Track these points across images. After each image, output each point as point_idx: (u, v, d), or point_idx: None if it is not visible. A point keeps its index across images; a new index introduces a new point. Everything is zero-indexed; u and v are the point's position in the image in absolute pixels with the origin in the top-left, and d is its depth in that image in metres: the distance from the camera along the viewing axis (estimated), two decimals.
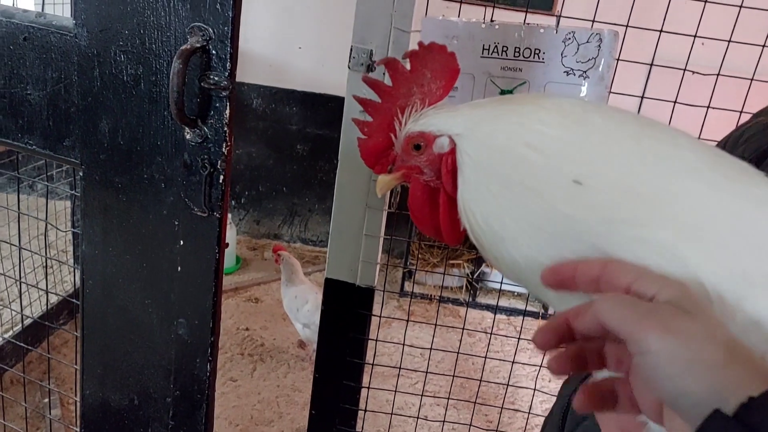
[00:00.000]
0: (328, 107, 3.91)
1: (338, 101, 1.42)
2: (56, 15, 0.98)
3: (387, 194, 1.47)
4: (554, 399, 0.89)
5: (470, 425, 1.79)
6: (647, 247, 0.47)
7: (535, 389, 1.69)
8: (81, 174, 0.99)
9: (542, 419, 0.92)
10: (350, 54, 1.34)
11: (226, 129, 0.85)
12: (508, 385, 1.74)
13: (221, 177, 0.88)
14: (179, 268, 0.96)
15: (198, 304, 0.96)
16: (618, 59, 1.27)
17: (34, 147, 1.00)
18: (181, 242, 0.94)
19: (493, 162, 0.57)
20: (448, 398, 1.78)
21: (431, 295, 3.77)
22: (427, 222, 0.66)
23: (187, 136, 0.88)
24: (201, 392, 0.98)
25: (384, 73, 1.31)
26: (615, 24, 1.26)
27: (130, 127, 0.93)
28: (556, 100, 0.59)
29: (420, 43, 0.68)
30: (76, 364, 2.20)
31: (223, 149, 0.86)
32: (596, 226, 0.50)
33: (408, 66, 0.68)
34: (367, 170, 1.44)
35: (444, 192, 0.63)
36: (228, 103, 0.84)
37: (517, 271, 0.55)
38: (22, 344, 2.11)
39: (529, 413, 1.76)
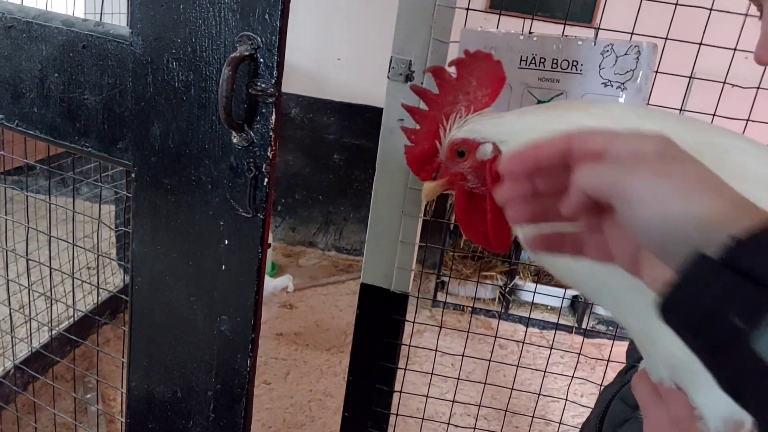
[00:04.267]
0: (365, 117, 3.96)
1: (375, 111, 1.46)
2: (113, 24, 1.04)
3: (424, 204, 1.50)
4: (586, 412, 0.90)
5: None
6: None
7: (566, 400, 1.69)
8: (133, 175, 1.04)
9: (574, 431, 0.93)
10: (390, 64, 1.37)
11: (271, 134, 0.89)
12: (539, 395, 1.75)
13: (266, 180, 0.92)
14: (223, 267, 0.99)
15: (240, 302, 0.99)
16: (656, 71, 1.28)
17: (90, 149, 1.05)
18: (226, 242, 0.98)
19: None
20: (479, 405, 1.79)
21: (463, 306, 3.77)
22: (474, 229, 0.67)
23: (234, 140, 0.92)
24: (241, 386, 1.02)
25: (422, 82, 1.34)
26: (653, 36, 1.27)
27: (180, 131, 0.97)
28: (606, 106, 0.58)
29: (466, 51, 0.70)
30: (119, 360, 2.26)
31: (268, 153, 0.90)
32: None
33: (454, 74, 0.70)
34: (404, 178, 1.48)
35: (490, 199, 0.64)
36: (274, 110, 0.88)
37: (572, 276, 0.55)
38: (72, 337, 2.19)
39: (560, 424, 1.76)
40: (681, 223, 0.38)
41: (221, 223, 0.97)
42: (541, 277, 3.91)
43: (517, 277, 3.75)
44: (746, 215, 0.37)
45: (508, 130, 0.61)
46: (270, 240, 3.58)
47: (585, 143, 0.44)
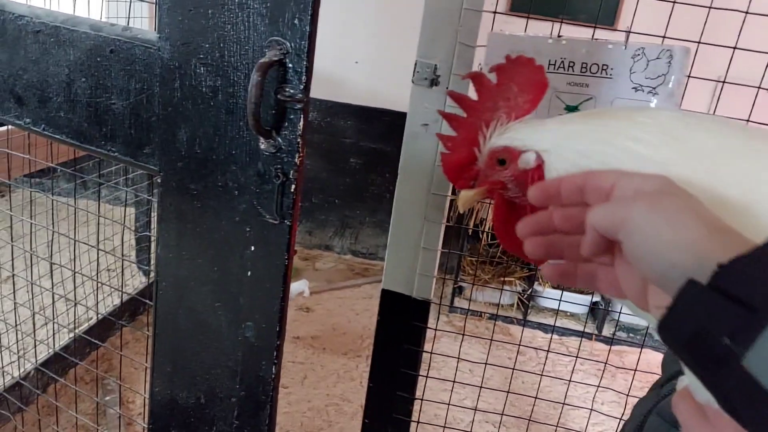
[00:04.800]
0: (383, 121, 3.95)
1: (393, 115, 1.45)
2: (141, 29, 1.04)
3: (446, 208, 1.49)
4: (606, 420, 0.88)
5: None
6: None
7: (591, 409, 1.66)
8: (158, 181, 1.03)
9: None
10: (414, 68, 1.36)
11: (299, 140, 0.88)
12: (564, 404, 1.72)
13: (293, 186, 0.91)
14: (249, 273, 0.99)
15: (266, 309, 0.98)
16: (689, 76, 1.26)
17: (116, 154, 1.05)
18: (252, 248, 0.97)
19: None
20: (502, 414, 1.77)
21: (481, 312, 3.75)
22: (513, 239, 0.65)
23: (262, 146, 0.91)
24: (266, 393, 1.01)
25: (447, 86, 1.32)
26: (682, 39, 1.25)
27: (207, 136, 0.97)
28: (653, 114, 0.56)
29: (507, 57, 0.68)
30: (137, 362, 2.26)
31: (296, 159, 0.89)
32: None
33: (494, 79, 0.68)
34: (426, 184, 1.47)
35: (532, 209, 0.61)
36: (302, 116, 0.87)
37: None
38: (93, 339, 2.20)
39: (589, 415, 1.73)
40: (673, 250, 0.41)
41: (247, 229, 0.97)
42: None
43: (536, 282, 3.72)
44: (732, 242, 0.40)
45: (552, 138, 0.59)
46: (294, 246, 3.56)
47: (598, 179, 0.48)
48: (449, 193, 1.47)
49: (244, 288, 1.00)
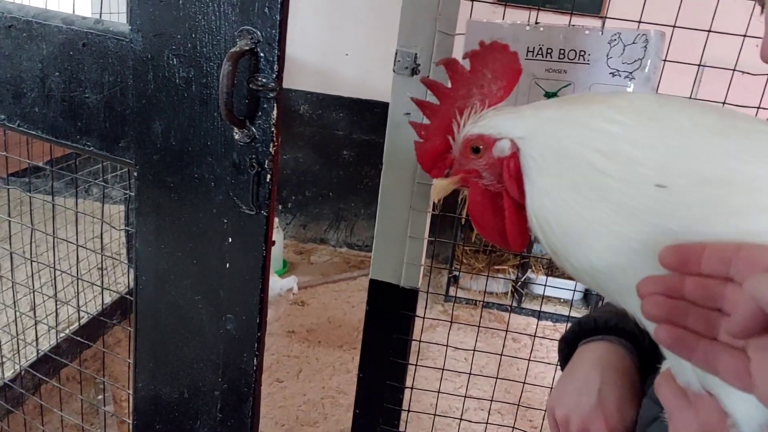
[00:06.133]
0: (374, 113, 3.94)
1: (384, 107, 1.44)
2: (113, 21, 1.03)
3: (435, 201, 1.48)
4: None
5: (513, 427, 1.78)
6: (751, 237, 0.44)
7: None
8: (135, 174, 1.03)
9: None
10: (395, 57, 1.35)
11: (273, 129, 0.88)
12: (551, 388, 1.73)
13: (268, 176, 0.90)
14: (228, 265, 0.98)
15: (246, 301, 0.98)
16: (665, 60, 1.25)
17: (91, 148, 1.04)
18: (230, 240, 0.97)
19: (562, 168, 0.54)
20: (492, 400, 1.77)
21: (476, 300, 3.75)
22: (490, 228, 0.64)
23: (236, 137, 0.91)
24: (248, 386, 1.01)
25: (428, 75, 1.32)
26: (662, 25, 1.25)
27: (181, 128, 0.96)
28: (628, 96, 0.56)
29: (481, 42, 0.67)
30: (128, 361, 2.26)
31: (271, 149, 0.89)
32: (690, 225, 0.47)
33: (468, 66, 0.67)
34: (411, 173, 1.46)
35: (508, 197, 0.61)
36: (275, 104, 0.87)
37: (596, 278, 0.53)
38: (82, 339, 2.19)
39: None
40: None
41: (225, 220, 0.96)
42: (554, 270, 3.89)
43: (529, 270, 3.72)
44: None
45: (527, 125, 0.58)
46: (274, 237, 3.58)
47: (754, 254, 0.41)
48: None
49: (223, 280, 0.99)
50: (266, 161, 0.89)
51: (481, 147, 0.62)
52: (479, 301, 3.71)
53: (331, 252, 4.25)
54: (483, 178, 0.63)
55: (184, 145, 0.96)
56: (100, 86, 1.02)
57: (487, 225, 0.64)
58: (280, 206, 4.22)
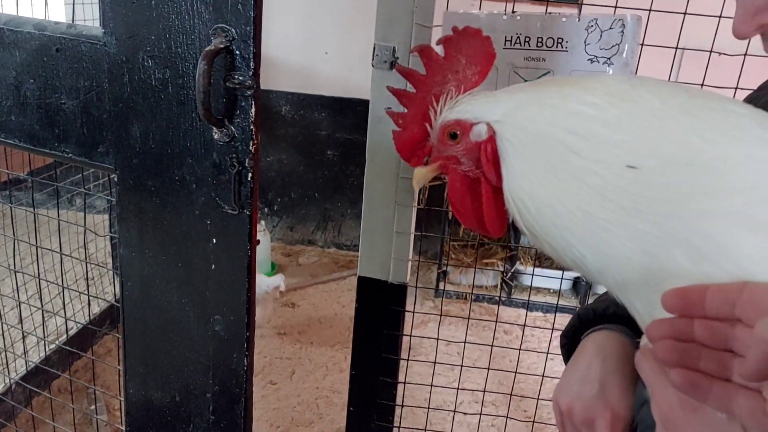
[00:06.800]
0: (356, 111, 3.94)
1: (366, 104, 1.43)
2: (86, 25, 1.02)
3: (416, 191, 1.48)
4: None
5: (507, 417, 1.78)
6: (719, 218, 0.45)
7: None
8: (115, 179, 1.02)
9: None
10: (373, 52, 1.35)
11: (252, 127, 0.87)
12: (543, 376, 1.73)
13: (249, 175, 0.90)
14: (213, 266, 0.98)
15: (233, 301, 0.98)
16: (643, 44, 1.26)
17: (70, 155, 1.03)
18: (214, 240, 0.96)
19: (537, 150, 0.54)
20: (484, 391, 1.78)
21: (466, 294, 3.76)
22: (469, 214, 0.64)
23: (215, 136, 0.90)
24: (239, 386, 1.00)
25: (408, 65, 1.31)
26: (638, 9, 1.25)
27: (160, 130, 0.95)
28: (599, 79, 0.56)
29: (454, 28, 0.67)
30: (120, 370, 2.25)
31: (251, 147, 0.88)
32: (657, 206, 0.47)
33: (442, 53, 0.67)
34: (395, 168, 1.46)
35: (486, 182, 0.61)
36: (253, 102, 0.86)
37: (575, 259, 0.53)
38: (72, 349, 2.17)
39: None
40: None
41: (208, 221, 0.96)
42: (542, 260, 3.90)
43: (518, 262, 3.73)
44: None
45: (502, 108, 0.59)
46: (261, 239, 3.58)
47: (758, 295, 0.41)
48: None
49: (209, 282, 0.99)
50: (247, 160, 0.89)
51: (458, 132, 0.62)
52: (469, 294, 3.72)
53: (320, 253, 4.24)
54: (461, 163, 0.63)
55: (163, 148, 0.95)
56: (76, 91, 1.01)
57: (466, 210, 0.64)
58: (266, 209, 4.20)
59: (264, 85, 0.87)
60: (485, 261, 3.84)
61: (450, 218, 3.65)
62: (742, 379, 0.42)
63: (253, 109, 0.86)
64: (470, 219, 0.64)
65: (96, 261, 2.97)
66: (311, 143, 4.09)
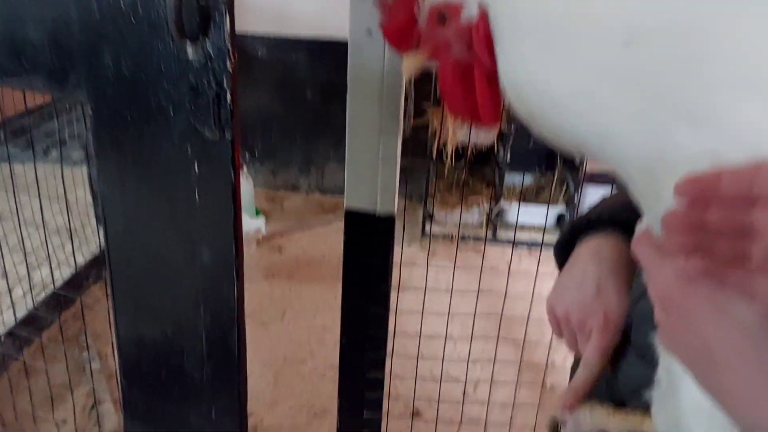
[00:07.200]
0: (335, 52, 3.83)
1: (344, 47, 1.38)
2: None
3: (401, 118, 1.45)
4: None
5: (498, 337, 1.81)
6: (721, 87, 0.43)
7: None
8: (89, 111, 0.98)
9: None
10: None
11: (228, 45, 0.84)
12: (533, 294, 1.76)
13: (228, 96, 0.87)
14: (197, 196, 0.95)
15: (219, 230, 0.96)
16: None
17: (41, 87, 0.99)
18: (196, 169, 0.94)
19: (533, 27, 0.51)
20: (474, 314, 1.80)
21: (452, 234, 3.77)
22: (462, 104, 0.61)
23: (191, 57, 0.86)
24: (231, 316, 1.00)
25: None
26: None
27: (132, 56, 0.91)
28: None
29: None
30: (108, 314, 2.24)
31: (228, 66, 0.85)
32: (657, 80, 0.45)
33: None
34: (378, 94, 1.42)
35: (479, 66, 0.58)
36: (227, 17, 0.82)
37: (575, 140, 0.51)
38: (59, 296, 2.16)
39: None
40: None
41: (188, 149, 0.93)
42: (526, 198, 3.91)
43: (502, 199, 3.74)
44: None
45: None
46: (251, 188, 3.50)
47: None
48: (402, 100, 1.43)
49: (194, 212, 0.97)
50: (224, 80, 0.86)
51: (447, 14, 0.59)
52: (455, 234, 3.73)
53: (304, 198, 4.22)
54: (452, 48, 0.60)
55: (137, 74, 0.92)
56: (43, 21, 0.96)
57: (458, 101, 0.61)
58: (247, 154, 4.15)
59: (238, 27, 0.83)
60: (470, 200, 3.84)
61: (433, 158, 3.63)
62: (762, 262, 0.41)
63: (227, 25, 0.82)
64: (463, 109, 0.62)
65: (77, 211, 2.93)
66: (290, 86, 4.01)
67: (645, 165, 0.47)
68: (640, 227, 0.54)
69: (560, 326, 0.79)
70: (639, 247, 0.50)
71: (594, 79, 0.48)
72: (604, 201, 0.89)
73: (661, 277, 0.48)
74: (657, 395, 0.67)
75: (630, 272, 0.77)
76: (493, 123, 0.61)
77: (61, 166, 1.86)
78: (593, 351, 0.74)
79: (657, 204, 0.48)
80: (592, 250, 0.79)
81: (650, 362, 0.68)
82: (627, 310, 0.74)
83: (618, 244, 0.78)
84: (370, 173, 1.49)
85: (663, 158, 0.45)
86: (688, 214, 0.43)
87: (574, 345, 0.79)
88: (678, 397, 0.60)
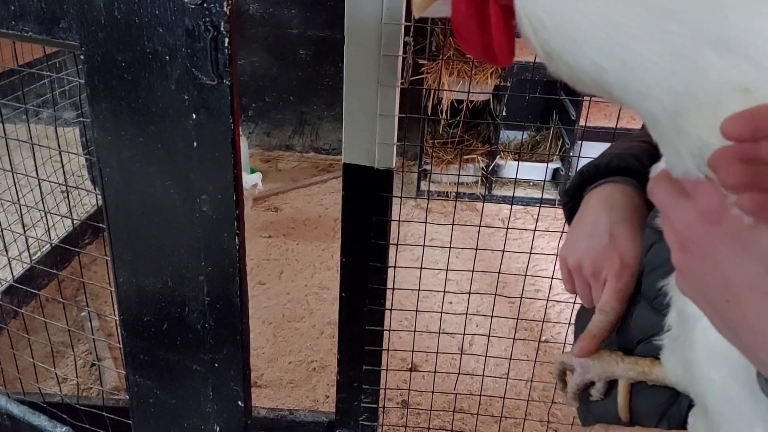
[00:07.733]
0: (329, 6, 3.78)
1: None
2: None
3: (398, 69, 1.43)
4: None
5: (495, 294, 1.82)
6: (753, 8, 0.42)
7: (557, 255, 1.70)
8: (82, 57, 0.96)
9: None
10: None
11: None
12: (530, 253, 1.76)
13: (226, 40, 0.84)
14: (195, 144, 0.94)
15: (219, 179, 0.94)
16: None
17: (30, 33, 0.96)
18: (194, 116, 0.92)
19: None
20: (473, 271, 1.80)
21: (448, 192, 3.76)
22: (475, 40, 0.59)
23: (186, 0, 0.84)
24: (232, 266, 0.99)
25: None
26: None
27: None
28: None
29: None
30: (107, 278, 2.23)
31: (225, 8, 0.82)
32: (687, 3, 0.44)
33: None
34: (376, 45, 1.40)
35: (493, 1, 0.55)
36: None
37: (596, 75, 0.49)
38: (55, 259, 2.15)
39: (552, 278, 1.78)
40: None
41: (185, 96, 0.91)
42: (522, 154, 3.89)
43: (498, 157, 3.72)
44: None
45: None
46: (246, 148, 3.47)
47: None
48: (401, 53, 1.41)
49: (192, 161, 0.95)
50: (222, 23, 0.83)
51: None
52: (451, 192, 3.72)
53: (299, 158, 4.19)
54: None
55: (130, 17, 0.89)
56: None
57: (472, 37, 0.59)
58: (241, 114, 4.10)
59: None
60: (465, 157, 3.82)
61: (429, 114, 3.60)
62: None
63: None
64: (475, 46, 0.59)
65: (71, 173, 2.90)
66: (283, 43, 3.94)
67: (671, 100, 0.45)
68: (655, 169, 0.53)
69: (572, 278, 0.79)
70: (657, 188, 0.49)
71: (623, 6, 0.46)
72: (611, 148, 0.88)
73: (682, 218, 0.47)
74: (667, 341, 0.68)
75: (642, 219, 0.76)
76: (507, 60, 0.59)
77: (55, 125, 1.83)
78: (611, 295, 0.74)
79: (681, 142, 0.46)
80: (602, 198, 0.78)
81: (660, 310, 0.68)
82: (640, 257, 0.74)
83: (629, 190, 0.78)
84: (369, 127, 1.48)
85: (690, 91, 0.44)
86: (737, 147, 0.42)
87: (587, 295, 0.79)
88: (691, 340, 0.60)
